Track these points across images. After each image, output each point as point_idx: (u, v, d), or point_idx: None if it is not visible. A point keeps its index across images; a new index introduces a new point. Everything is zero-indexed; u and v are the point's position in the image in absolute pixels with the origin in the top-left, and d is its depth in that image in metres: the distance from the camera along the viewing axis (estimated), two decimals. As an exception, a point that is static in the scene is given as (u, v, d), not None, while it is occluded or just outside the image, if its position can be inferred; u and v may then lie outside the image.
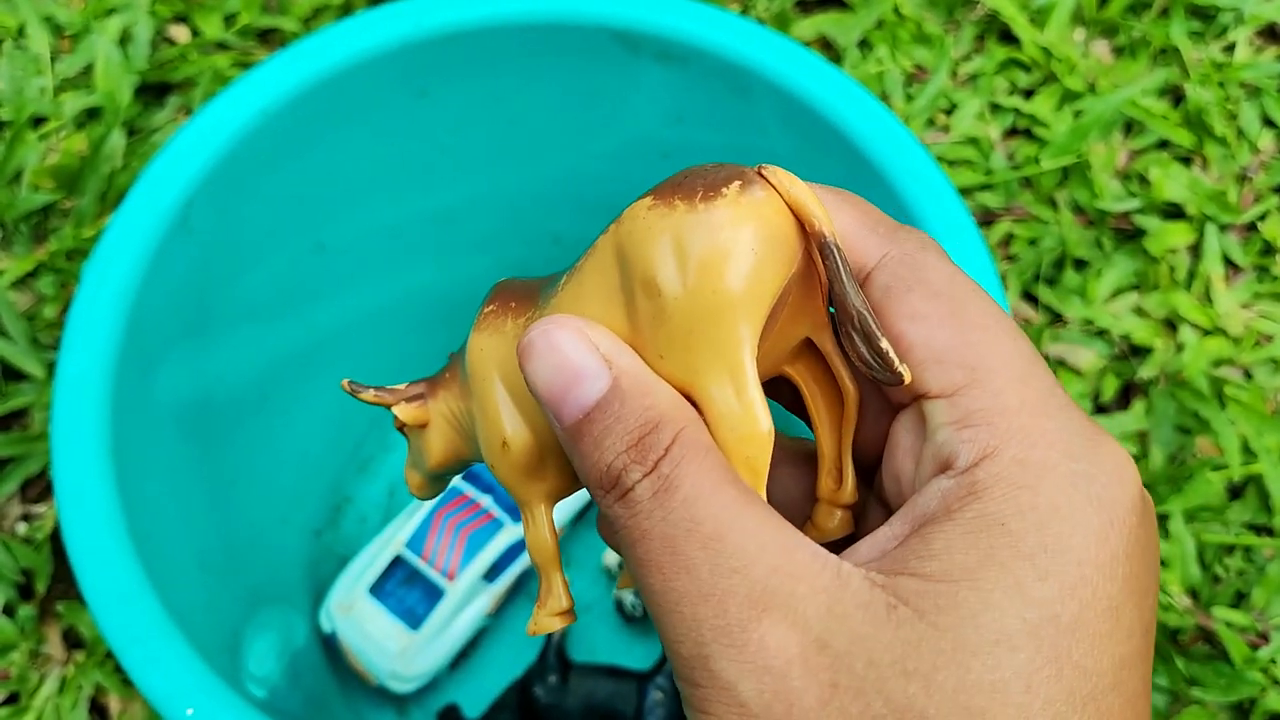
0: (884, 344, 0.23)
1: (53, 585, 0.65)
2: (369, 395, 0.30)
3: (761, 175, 0.24)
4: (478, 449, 0.29)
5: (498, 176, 0.56)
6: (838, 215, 0.24)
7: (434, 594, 0.59)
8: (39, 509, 0.67)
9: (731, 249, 0.22)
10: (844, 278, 0.23)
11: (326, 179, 0.51)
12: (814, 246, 0.24)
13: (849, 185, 0.48)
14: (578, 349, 0.23)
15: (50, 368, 0.69)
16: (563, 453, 0.26)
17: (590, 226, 0.60)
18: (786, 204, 0.23)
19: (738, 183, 0.23)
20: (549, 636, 0.60)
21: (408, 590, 0.60)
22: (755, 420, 0.23)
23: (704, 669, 0.20)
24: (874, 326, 0.23)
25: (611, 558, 0.64)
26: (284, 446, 0.59)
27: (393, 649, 0.58)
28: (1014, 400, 0.22)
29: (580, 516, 0.65)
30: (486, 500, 0.62)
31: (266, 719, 0.37)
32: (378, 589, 0.60)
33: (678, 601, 0.21)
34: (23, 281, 0.72)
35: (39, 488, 0.68)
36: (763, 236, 0.23)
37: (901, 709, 0.20)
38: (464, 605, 0.60)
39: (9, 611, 0.65)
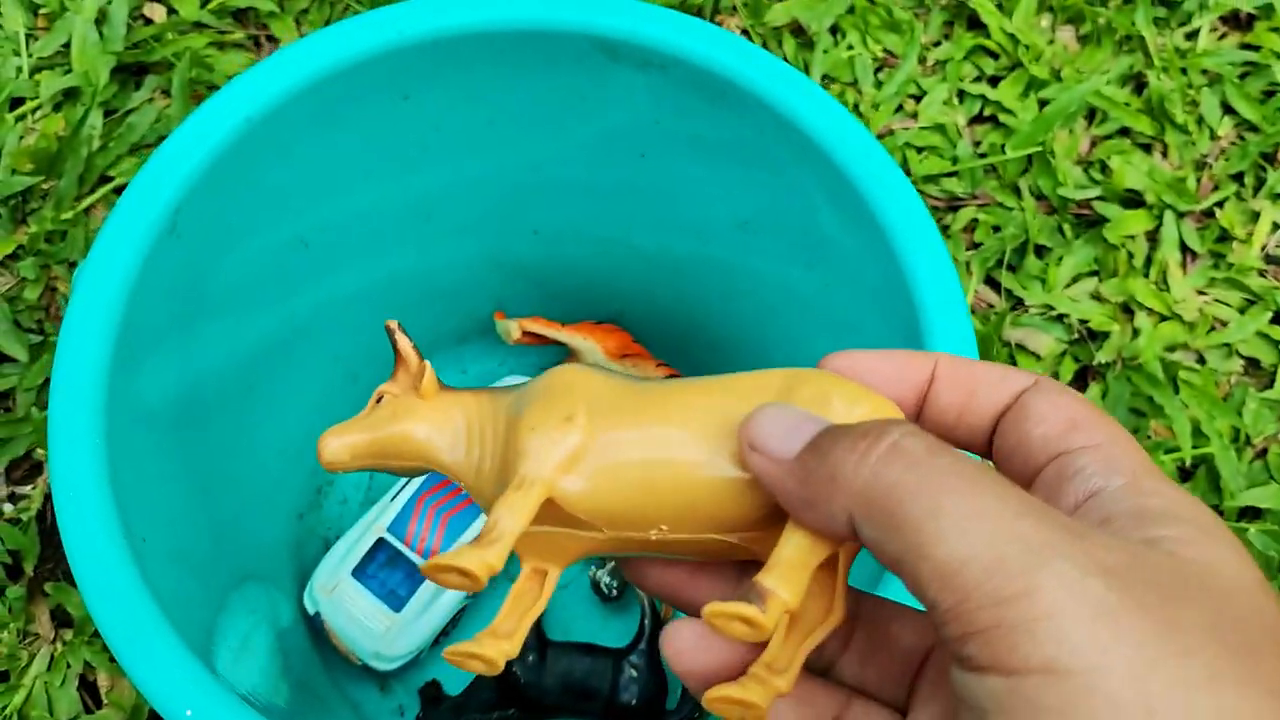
0: None
1: (40, 566, 0.67)
2: (405, 340, 0.30)
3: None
4: (460, 457, 0.29)
5: (478, 175, 0.57)
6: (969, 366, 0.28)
7: (416, 576, 0.61)
8: (25, 490, 0.69)
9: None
10: None
11: (310, 179, 0.52)
12: None
13: (817, 191, 0.50)
14: (797, 410, 0.26)
15: (33, 350, 0.70)
16: (609, 475, 0.27)
17: (568, 222, 0.62)
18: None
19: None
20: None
21: (390, 572, 0.62)
22: None
23: (1037, 564, 0.21)
24: None
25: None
26: (267, 432, 0.60)
27: (376, 630, 0.60)
28: (1141, 457, 0.26)
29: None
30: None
31: (260, 716, 0.39)
32: (360, 571, 0.62)
33: (989, 515, 0.22)
34: (2, 264, 0.73)
35: (24, 468, 0.69)
36: None
37: (1226, 619, 0.22)
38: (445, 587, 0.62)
39: (-3, 591, 0.66)
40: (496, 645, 0.27)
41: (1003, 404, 0.28)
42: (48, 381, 0.69)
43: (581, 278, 0.67)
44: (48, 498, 0.68)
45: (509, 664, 0.60)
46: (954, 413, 0.28)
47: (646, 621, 0.61)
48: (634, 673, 0.61)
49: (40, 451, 0.69)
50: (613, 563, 0.65)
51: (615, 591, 0.64)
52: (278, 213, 0.52)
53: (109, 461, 0.42)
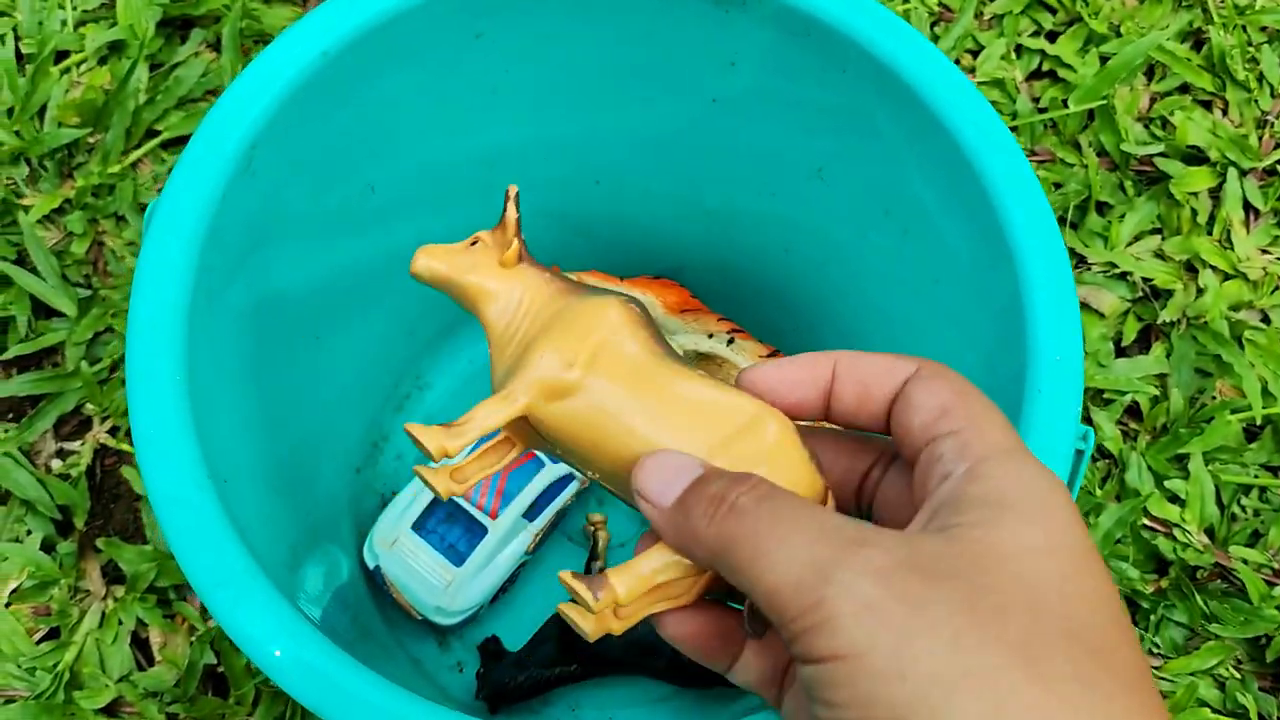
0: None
1: (90, 522, 0.66)
2: (512, 211, 0.35)
3: None
4: (495, 319, 0.35)
5: (545, 118, 0.56)
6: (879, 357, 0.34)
7: (476, 531, 0.60)
8: (74, 445, 0.68)
9: (788, 473, 0.32)
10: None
11: (381, 120, 0.51)
12: None
13: (903, 136, 0.49)
14: (679, 457, 0.32)
15: (82, 305, 0.69)
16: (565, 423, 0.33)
17: (632, 169, 0.61)
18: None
19: (814, 470, 0.33)
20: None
21: (449, 527, 0.61)
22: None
23: (823, 580, 0.27)
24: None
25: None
26: (329, 383, 0.59)
27: (438, 584, 0.59)
28: (996, 438, 0.30)
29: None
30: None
31: (348, 656, 0.38)
32: (420, 526, 0.61)
33: (792, 548, 0.28)
34: (49, 218, 0.71)
35: (73, 424, 0.68)
36: (804, 481, 0.33)
37: (981, 588, 0.27)
38: (505, 543, 0.61)
39: (48, 548, 0.65)
40: (441, 441, 0.32)
41: (892, 393, 0.33)
42: (97, 336, 0.69)
43: (640, 231, 0.65)
44: (97, 453, 0.67)
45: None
46: (854, 406, 0.33)
47: (593, 565, 0.61)
48: (697, 630, 0.60)
49: (90, 407, 0.68)
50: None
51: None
52: (349, 155, 0.51)
53: (190, 401, 0.41)
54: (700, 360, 0.62)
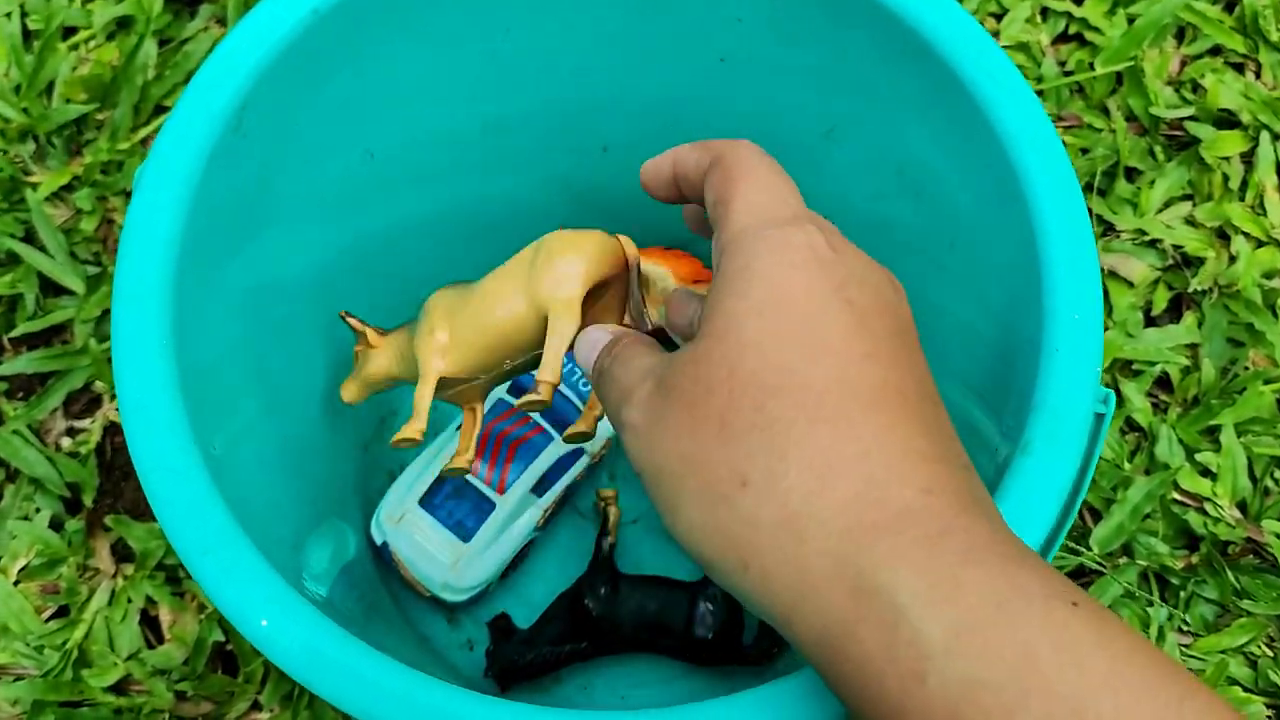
0: (648, 326, 0.43)
1: (99, 499, 0.65)
2: (354, 321, 0.49)
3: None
4: (404, 370, 0.48)
5: (548, 84, 0.55)
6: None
7: (484, 506, 0.59)
8: (83, 423, 0.67)
9: (582, 250, 0.41)
10: (635, 284, 0.44)
11: (376, 85, 0.50)
12: (630, 267, 0.43)
13: (924, 88, 0.47)
14: (594, 332, 0.40)
15: (90, 282, 0.68)
16: (460, 349, 0.43)
17: (641, 135, 0.59)
18: (621, 244, 0.43)
19: (602, 232, 0.42)
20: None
21: (457, 503, 0.60)
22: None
23: (618, 416, 0.35)
24: (644, 316, 0.44)
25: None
26: (332, 357, 0.58)
27: (445, 560, 0.58)
28: (743, 217, 0.34)
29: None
30: (535, 414, 0.61)
31: (337, 627, 0.37)
32: (427, 501, 0.60)
33: (616, 404, 0.35)
34: (58, 195, 0.71)
35: (82, 402, 0.68)
36: (599, 251, 0.41)
37: (696, 381, 0.32)
38: (514, 518, 0.60)
39: (56, 526, 0.65)
40: (460, 457, 0.47)
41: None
42: (106, 313, 0.68)
43: (652, 201, 0.64)
44: (107, 430, 0.67)
45: (582, 597, 0.58)
46: (694, 198, 0.38)
47: (603, 541, 0.60)
48: (709, 606, 0.58)
49: (99, 384, 0.67)
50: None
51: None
52: (344, 118, 0.50)
53: (178, 368, 0.40)
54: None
